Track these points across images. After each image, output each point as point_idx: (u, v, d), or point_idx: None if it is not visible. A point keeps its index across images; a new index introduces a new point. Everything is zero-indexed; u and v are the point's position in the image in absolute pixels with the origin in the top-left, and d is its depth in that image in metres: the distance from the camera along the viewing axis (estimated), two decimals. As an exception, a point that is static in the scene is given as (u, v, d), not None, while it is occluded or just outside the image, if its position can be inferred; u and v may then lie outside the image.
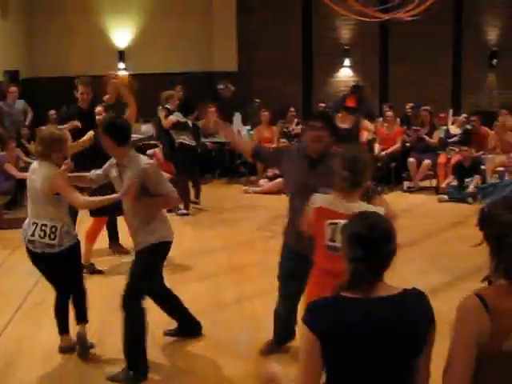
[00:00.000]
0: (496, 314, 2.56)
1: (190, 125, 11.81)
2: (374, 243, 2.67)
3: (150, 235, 5.47)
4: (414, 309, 2.72)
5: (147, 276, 5.58)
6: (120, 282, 5.63)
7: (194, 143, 11.73)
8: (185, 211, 11.31)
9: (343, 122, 11.87)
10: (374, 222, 2.75)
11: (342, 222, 3.89)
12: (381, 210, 4.05)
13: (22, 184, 11.22)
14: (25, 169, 11.55)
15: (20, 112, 13.45)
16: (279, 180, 12.84)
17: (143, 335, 5.44)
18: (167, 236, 5.63)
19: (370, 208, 4.23)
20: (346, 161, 4.28)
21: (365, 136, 14.12)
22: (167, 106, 11.45)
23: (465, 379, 2.62)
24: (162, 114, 11.48)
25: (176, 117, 11.40)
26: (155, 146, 14.09)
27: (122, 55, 16.44)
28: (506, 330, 2.56)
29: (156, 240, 5.50)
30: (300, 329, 2.72)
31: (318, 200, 4.40)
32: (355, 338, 2.63)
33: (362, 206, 4.23)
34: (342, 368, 2.70)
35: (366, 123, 13.40)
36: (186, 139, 11.47)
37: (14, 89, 13.25)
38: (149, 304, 5.71)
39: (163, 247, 5.61)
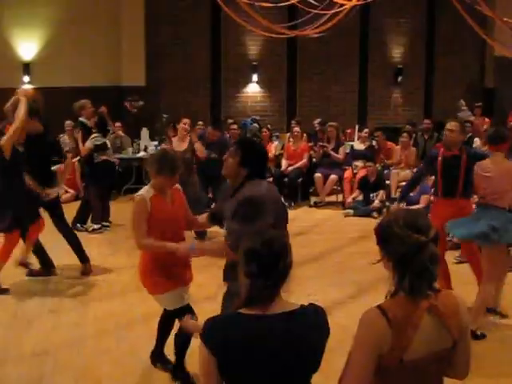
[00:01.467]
0: (397, 326, 2.64)
1: (109, 145, 11.45)
2: (269, 258, 2.72)
3: None
4: (310, 324, 2.78)
5: None
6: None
7: (116, 160, 11.48)
8: (96, 226, 11.18)
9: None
10: (270, 237, 2.80)
11: None
12: None
13: None
14: None
15: None
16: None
17: None
18: None
19: None
20: None
21: (272, 151, 14.22)
22: (82, 119, 11.08)
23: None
24: (79, 136, 11.10)
25: (94, 141, 10.99)
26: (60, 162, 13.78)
27: (26, 68, 16.04)
28: (406, 341, 2.64)
29: None
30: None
31: None
32: (250, 355, 2.66)
33: None
34: None
35: None
36: (107, 156, 11.18)
37: None
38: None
39: None
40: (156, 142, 14.98)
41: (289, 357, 2.69)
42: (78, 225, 10.98)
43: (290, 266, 2.78)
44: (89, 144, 10.87)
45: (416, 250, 2.65)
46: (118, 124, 14.10)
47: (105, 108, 11.42)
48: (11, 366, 5.87)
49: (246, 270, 2.75)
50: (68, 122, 14.05)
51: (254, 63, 17.97)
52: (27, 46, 16.07)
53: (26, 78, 16.07)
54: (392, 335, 2.62)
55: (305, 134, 14.90)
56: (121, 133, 14.73)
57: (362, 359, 2.68)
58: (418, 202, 11.25)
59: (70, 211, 11.12)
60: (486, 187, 6.58)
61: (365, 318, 2.71)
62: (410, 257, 2.66)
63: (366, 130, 14.98)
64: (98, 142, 10.99)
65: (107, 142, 11.32)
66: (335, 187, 13.94)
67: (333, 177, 13.52)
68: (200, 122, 14.97)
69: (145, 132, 15.06)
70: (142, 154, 14.68)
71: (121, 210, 12.94)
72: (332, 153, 13.79)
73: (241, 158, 4.51)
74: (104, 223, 11.32)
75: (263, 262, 2.71)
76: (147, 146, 14.80)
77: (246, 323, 2.71)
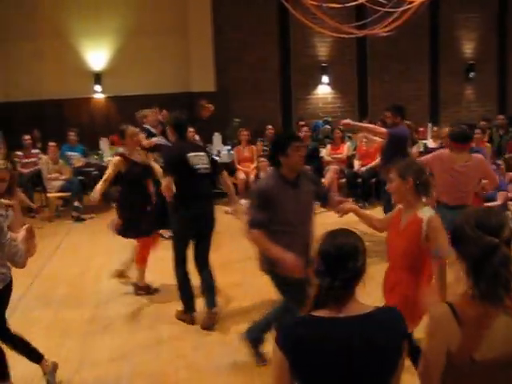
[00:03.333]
0: (466, 324, 2.62)
1: None
2: (337, 258, 2.72)
3: None
4: (385, 327, 2.73)
5: None
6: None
7: None
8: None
9: None
10: (342, 238, 2.79)
11: None
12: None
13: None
14: None
15: None
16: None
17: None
18: None
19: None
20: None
21: (345, 152, 14.08)
22: (147, 126, 11.11)
23: (435, 379, 2.71)
24: (141, 135, 11.08)
25: (159, 140, 11.01)
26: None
27: (97, 78, 16.32)
28: (476, 339, 2.61)
29: None
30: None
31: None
32: (322, 358, 2.65)
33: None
34: None
35: None
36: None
37: None
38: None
39: None
40: (228, 147, 14.97)
41: (361, 360, 2.65)
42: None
43: (362, 269, 2.76)
44: (154, 139, 10.81)
45: (488, 253, 2.61)
46: (190, 129, 14.11)
47: (165, 112, 11.47)
48: (88, 371, 5.92)
49: (315, 270, 2.78)
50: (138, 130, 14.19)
51: (324, 64, 17.86)
52: (98, 56, 16.37)
53: (98, 88, 16.37)
54: (461, 333, 2.60)
55: (377, 134, 14.70)
56: (197, 137, 14.67)
57: (431, 354, 2.68)
58: (494, 199, 10.92)
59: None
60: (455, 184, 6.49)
61: (434, 313, 2.72)
62: (483, 260, 2.62)
63: (435, 128, 14.70)
64: (161, 142, 10.99)
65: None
66: (409, 186, 13.68)
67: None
68: (269, 126, 14.89)
69: (217, 137, 15.08)
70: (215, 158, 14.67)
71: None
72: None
73: None
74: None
75: (330, 261, 2.72)
76: (220, 150, 14.80)
77: (317, 325, 2.70)
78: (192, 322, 7.11)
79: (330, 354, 2.64)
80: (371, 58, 18.10)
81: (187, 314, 7.18)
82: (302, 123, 15.32)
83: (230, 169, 14.25)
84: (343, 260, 2.70)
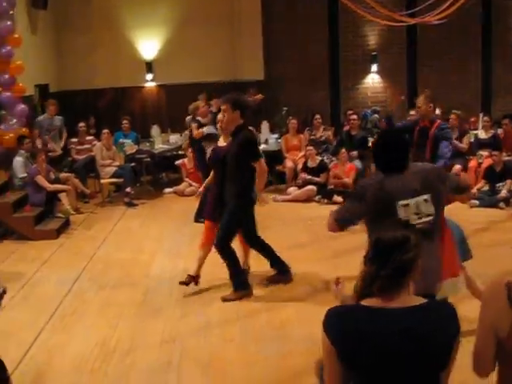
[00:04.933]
0: None
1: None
2: (386, 248, 2.74)
3: None
4: (435, 321, 2.69)
5: None
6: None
7: None
8: None
9: None
10: (397, 232, 2.81)
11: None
12: None
13: (52, 196, 11.31)
14: (56, 181, 11.64)
15: (58, 128, 13.58)
16: (309, 187, 12.80)
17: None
18: None
19: None
20: None
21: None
22: (198, 118, 11.45)
23: (484, 359, 2.68)
24: (193, 126, 11.47)
25: (207, 129, 11.34)
26: (183, 156, 14.14)
27: (149, 67, 16.53)
28: None
29: None
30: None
31: None
32: (367, 348, 2.63)
33: None
34: (362, 378, 2.70)
35: None
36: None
37: (52, 101, 13.47)
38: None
39: None
40: (276, 135, 15.03)
41: (408, 352, 2.63)
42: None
43: (411, 262, 2.73)
44: (203, 129, 11.16)
45: None
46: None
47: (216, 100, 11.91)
48: (141, 354, 6.05)
49: (365, 257, 2.82)
50: (189, 118, 14.35)
51: (373, 53, 17.75)
52: (149, 45, 16.57)
53: (149, 76, 16.59)
54: None
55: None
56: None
57: (480, 334, 2.66)
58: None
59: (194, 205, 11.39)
60: None
61: (487, 291, 2.71)
62: None
63: (485, 118, 14.49)
64: (210, 131, 11.28)
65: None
66: (459, 177, 13.54)
67: (457, 167, 13.11)
68: (317, 116, 14.80)
69: (265, 125, 15.14)
70: (262, 146, 14.75)
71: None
72: (456, 142, 13.39)
73: None
74: None
75: (379, 250, 2.75)
76: (268, 138, 14.87)
77: (364, 315, 2.70)
78: None
79: (376, 344, 2.62)
80: (421, 46, 17.89)
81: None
82: (350, 112, 15.26)
83: (278, 157, 14.33)
84: (391, 250, 2.71)
